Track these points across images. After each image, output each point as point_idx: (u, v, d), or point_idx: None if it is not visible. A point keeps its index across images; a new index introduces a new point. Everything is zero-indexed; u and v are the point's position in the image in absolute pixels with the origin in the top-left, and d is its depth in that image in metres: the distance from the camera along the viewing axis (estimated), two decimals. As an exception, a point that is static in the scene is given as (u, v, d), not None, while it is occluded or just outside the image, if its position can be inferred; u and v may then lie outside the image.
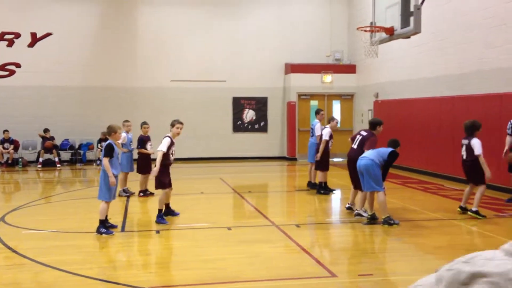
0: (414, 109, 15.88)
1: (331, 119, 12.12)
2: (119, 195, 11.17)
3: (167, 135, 8.92)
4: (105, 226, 8.17)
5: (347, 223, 9.10)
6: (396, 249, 7.45)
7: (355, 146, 9.31)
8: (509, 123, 10.49)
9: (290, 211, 11.13)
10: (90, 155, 19.17)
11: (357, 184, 9.14)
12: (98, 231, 8.09)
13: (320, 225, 8.97)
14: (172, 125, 9.03)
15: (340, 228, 8.95)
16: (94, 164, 18.61)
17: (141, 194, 11.69)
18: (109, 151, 8.05)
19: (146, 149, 11.47)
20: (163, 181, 8.78)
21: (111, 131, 8.27)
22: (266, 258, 6.86)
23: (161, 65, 19.90)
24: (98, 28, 19.63)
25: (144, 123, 11.87)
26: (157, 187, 8.94)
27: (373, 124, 9.38)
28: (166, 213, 9.07)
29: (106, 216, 8.21)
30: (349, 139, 10.00)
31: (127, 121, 12.15)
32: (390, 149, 8.71)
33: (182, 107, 19.87)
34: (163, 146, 8.73)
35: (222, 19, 20.33)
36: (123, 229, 8.57)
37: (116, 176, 8.13)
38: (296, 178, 16.20)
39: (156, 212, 8.89)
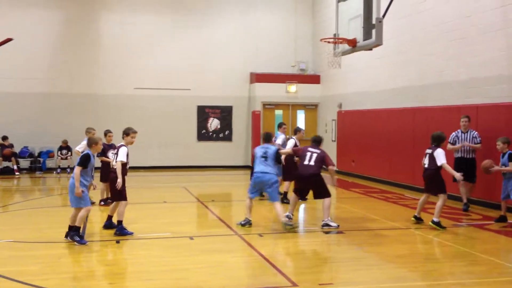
0: (376, 119, 16.15)
1: (297, 130, 12.20)
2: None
3: (122, 144, 8.77)
4: (79, 234, 8.04)
5: (309, 232, 9.16)
6: (357, 258, 7.53)
7: (311, 163, 9.39)
8: (454, 134, 11.25)
9: (253, 220, 11.11)
10: (50, 163, 18.77)
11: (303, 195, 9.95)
12: (72, 237, 7.97)
13: (282, 234, 8.99)
14: (127, 134, 8.84)
15: (302, 237, 9.00)
16: (54, 172, 18.22)
17: (102, 203, 11.50)
18: (85, 161, 7.99)
19: (108, 157, 11.28)
20: (124, 192, 8.65)
21: (92, 142, 8.27)
22: (228, 268, 6.85)
23: (125, 73, 19.69)
24: (60, 34, 19.30)
25: (108, 131, 11.67)
26: (118, 199, 8.74)
27: (319, 142, 9.76)
28: (109, 226, 8.94)
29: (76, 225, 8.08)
30: (295, 153, 10.23)
31: (92, 128, 11.86)
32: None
33: (146, 115, 19.70)
34: (122, 156, 8.59)
35: (188, 28, 20.29)
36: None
37: (86, 186, 8.14)
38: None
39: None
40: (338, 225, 9.28)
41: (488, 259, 7.33)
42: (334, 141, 18.89)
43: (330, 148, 17.59)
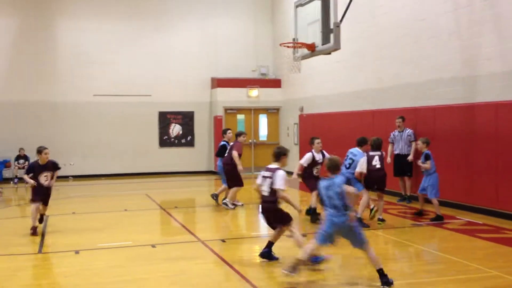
0: (337, 122, 16.32)
1: (239, 134, 12.22)
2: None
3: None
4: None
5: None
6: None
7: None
8: (392, 134, 12.62)
9: (216, 226, 11.07)
10: (7, 173, 18.26)
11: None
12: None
13: (245, 239, 8.99)
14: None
15: (265, 241, 8.99)
16: (11, 182, 17.72)
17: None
18: None
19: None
20: None
21: None
22: (191, 276, 6.79)
23: (83, 79, 19.33)
24: (16, 41, 18.83)
25: (43, 147, 9.55)
26: None
27: (235, 135, 12.20)
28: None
29: None
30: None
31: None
32: None
33: (106, 122, 19.43)
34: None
35: (148, 34, 20.10)
36: (40, 251, 8.20)
37: None
38: (224, 193, 16.11)
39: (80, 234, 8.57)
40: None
41: (446, 257, 7.49)
42: (297, 144, 19.00)
43: (293, 152, 17.60)
